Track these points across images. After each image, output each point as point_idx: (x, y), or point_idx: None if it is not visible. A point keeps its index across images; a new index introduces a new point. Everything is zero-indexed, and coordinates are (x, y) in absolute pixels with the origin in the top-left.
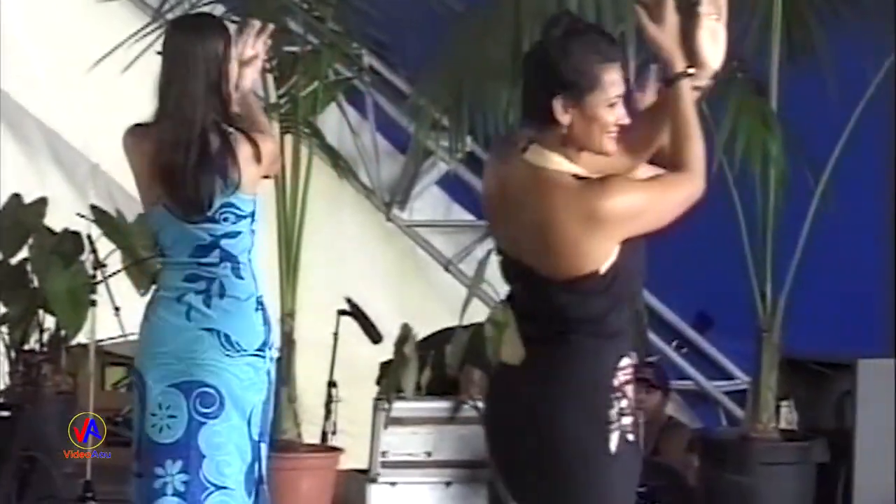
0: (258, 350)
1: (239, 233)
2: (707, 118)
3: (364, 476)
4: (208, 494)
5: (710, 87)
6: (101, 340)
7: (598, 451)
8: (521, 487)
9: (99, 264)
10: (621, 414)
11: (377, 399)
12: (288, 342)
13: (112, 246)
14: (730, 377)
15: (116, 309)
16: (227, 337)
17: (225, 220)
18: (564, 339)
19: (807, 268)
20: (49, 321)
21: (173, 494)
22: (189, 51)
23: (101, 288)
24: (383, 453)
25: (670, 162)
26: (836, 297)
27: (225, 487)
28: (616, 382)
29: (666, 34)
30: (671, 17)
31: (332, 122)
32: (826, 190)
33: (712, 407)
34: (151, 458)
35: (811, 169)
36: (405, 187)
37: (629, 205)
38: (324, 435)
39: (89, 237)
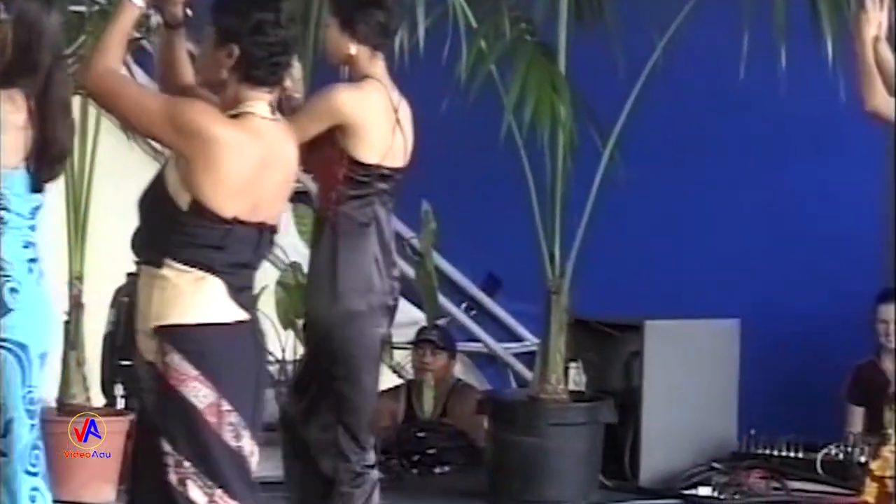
0: None
1: None
2: (496, 81)
3: None
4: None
5: None
6: None
7: None
8: None
9: None
10: None
11: None
12: (76, 305)
13: None
14: (519, 339)
15: None
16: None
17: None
18: None
19: (594, 230)
20: None
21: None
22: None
23: None
24: None
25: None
26: (624, 259)
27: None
28: None
29: None
30: None
31: None
32: (613, 154)
33: (501, 369)
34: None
35: (599, 133)
36: None
37: None
38: (113, 399)
39: None
